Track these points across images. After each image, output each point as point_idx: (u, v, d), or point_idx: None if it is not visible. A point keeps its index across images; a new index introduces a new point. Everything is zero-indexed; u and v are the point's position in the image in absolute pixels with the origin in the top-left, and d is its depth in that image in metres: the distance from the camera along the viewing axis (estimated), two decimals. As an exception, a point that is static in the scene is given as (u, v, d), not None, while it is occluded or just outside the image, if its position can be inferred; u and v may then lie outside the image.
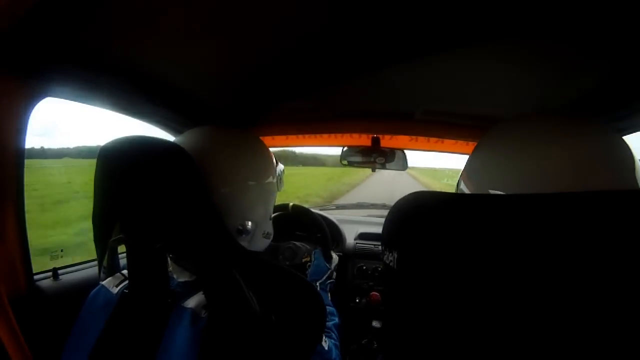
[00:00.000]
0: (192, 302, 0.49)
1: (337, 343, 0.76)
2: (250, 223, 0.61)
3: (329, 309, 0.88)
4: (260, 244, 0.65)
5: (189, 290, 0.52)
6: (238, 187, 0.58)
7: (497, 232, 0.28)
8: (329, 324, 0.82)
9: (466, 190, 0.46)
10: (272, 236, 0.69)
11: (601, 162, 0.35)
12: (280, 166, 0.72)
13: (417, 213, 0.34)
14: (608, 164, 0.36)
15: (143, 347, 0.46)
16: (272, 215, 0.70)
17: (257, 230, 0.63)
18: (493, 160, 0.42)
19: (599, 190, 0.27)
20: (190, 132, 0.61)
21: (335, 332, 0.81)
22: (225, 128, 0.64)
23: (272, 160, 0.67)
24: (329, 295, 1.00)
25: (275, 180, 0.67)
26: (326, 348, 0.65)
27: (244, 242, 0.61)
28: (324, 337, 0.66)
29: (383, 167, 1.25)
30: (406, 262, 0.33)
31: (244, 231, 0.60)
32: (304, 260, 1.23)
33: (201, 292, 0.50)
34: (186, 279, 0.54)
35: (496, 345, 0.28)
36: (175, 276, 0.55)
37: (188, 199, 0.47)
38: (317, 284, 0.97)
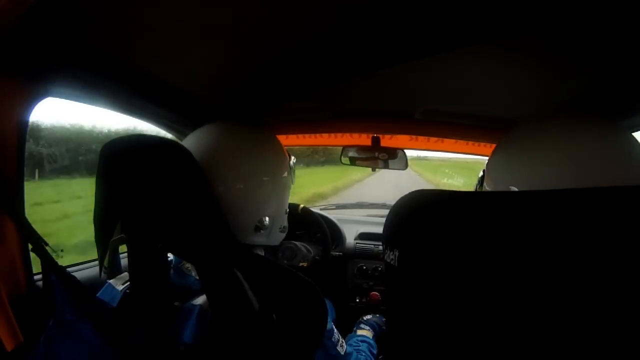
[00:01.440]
0: (201, 299, 0.50)
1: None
2: (267, 219, 0.61)
3: (373, 342, 0.86)
4: (277, 237, 0.66)
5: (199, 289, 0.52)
6: (253, 183, 0.58)
7: (499, 229, 0.28)
8: (364, 346, 0.80)
9: (488, 189, 0.48)
10: (286, 230, 0.69)
11: (613, 159, 0.37)
12: (292, 159, 0.73)
13: (419, 211, 0.35)
14: (620, 160, 0.37)
15: (145, 344, 0.46)
16: None
17: (275, 225, 0.63)
18: (510, 160, 0.44)
19: (600, 187, 0.28)
20: (202, 130, 0.62)
21: (368, 353, 0.78)
22: (237, 124, 0.64)
23: (285, 155, 0.67)
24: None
25: (288, 175, 0.67)
26: (342, 353, 0.62)
27: (261, 238, 0.62)
28: (342, 342, 0.64)
29: (383, 166, 1.25)
30: (408, 260, 0.33)
31: (261, 227, 0.60)
32: (300, 264, 1.23)
33: None
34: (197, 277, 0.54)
35: (497, 343, 0.28)
36: (192, 273, 0.56)
37: (187, 196, 0.47)
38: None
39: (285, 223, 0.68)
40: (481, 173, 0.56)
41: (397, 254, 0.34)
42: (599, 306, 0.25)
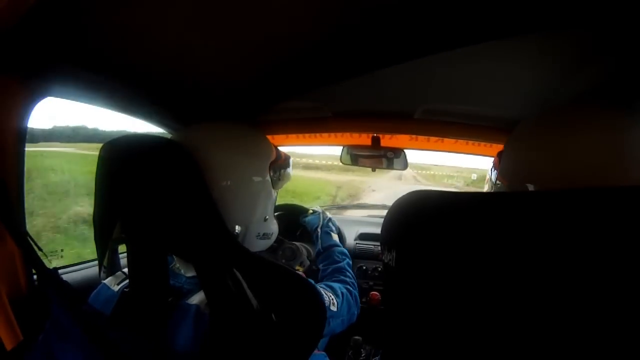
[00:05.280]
0: (197, 299, 0.49)
1: (354, 282, 0.75)
2: (238, 227, 0.57)
3: (339, 249, 0.89)
4: (256, 245, 0.62)
5: (197, 286, 0.52)
6: (219, 187, 0.54)
7: (498, 230, 0.28)
8: (342, 264, 0.82)
9: (503, 188, 0.46)
10: (272, 236, 0.66)
11: (634, 150, 0.35)
12: (286, 164, 0.68)
13: (417, 212, 0.34)
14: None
15: (144, 343, 0.46)
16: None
17: (249, 233, 0.60)
18: (527, 155, 0.42)
19: (606, 187, 0.27)
20: (184, 130, 0.60)
21: (350, 271, 0.80)
22: (213, 125, 0.61)
23: (263, 157, 0.62)
24: (336, 235, 1.00)
25: (267, 178, 0.61)
26: (335, 309, 0.62)
27: None
28: (332, 299, 0.64)
29: (383, 166, 1.25)
30: (405, 261, 0.33)
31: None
32: (296, 268, 1.22)
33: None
34: (193, 274, 0.54)
35: (495, 348, 0.28)
36: (182, 271, 0.55)
37: (186, 196, 0.47)
38: (319, 229, 0.98)
39: (267, 230, 0.64)
40: (490, 172, 0.54)
41: (394, 254, 0.34)
42: (606, 317, 0.24)
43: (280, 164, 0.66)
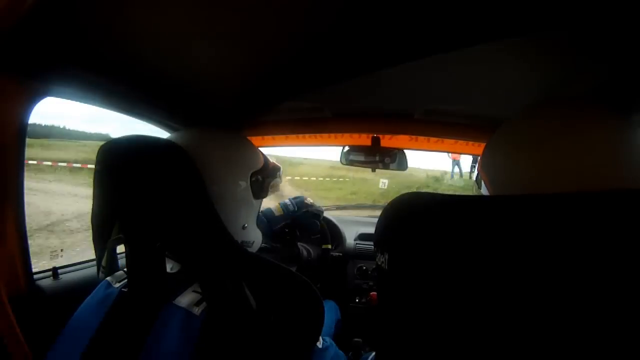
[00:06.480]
0: (184, 301, 0.48)
1: None
2: None
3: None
4: None
5: (177, 284, 0.51)
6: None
7: (489, 234, 0.28)
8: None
9: (488, 193, 0.44)
10: (253, 244, 0.65)
11: (621, 152, 0.34)
12: (273, 176, 0.68)
13: (410, 214, 0.34)
14: (627, 154, 0.34)
15: (139, 344, 0.46)
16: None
17: None
18: (511, 159, 0.40)
19: (593, 191, 0.27)
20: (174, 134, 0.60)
21: None
22: (200, 130, 0.61)
23: (242, 165, 0.62)
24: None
25: (246, 187, 0.61)
26: (321, 346, 0.59)
27: None
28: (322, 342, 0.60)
29: (383, 167, 1.24)
30: (397, 264, 0.33)
31: None
32: (324, 246, 1.21)
33: (192, 289, 0.49)
34: (170, 271, 0.53)
35: (486, 348, 0.28)
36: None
37: (185, 197, 0.47)
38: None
39: (246, 238, 0.63)
40: (476, 172, 0.53)
41: (387, 257, 0.33)
42: (600, 328, 0.24)
43: (263, 173, 0.65)
